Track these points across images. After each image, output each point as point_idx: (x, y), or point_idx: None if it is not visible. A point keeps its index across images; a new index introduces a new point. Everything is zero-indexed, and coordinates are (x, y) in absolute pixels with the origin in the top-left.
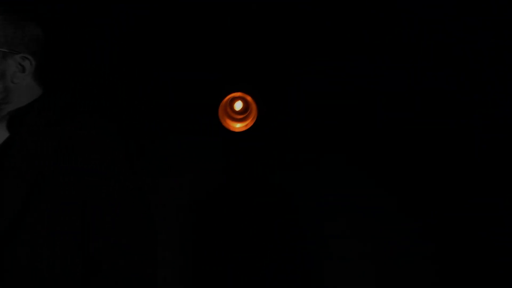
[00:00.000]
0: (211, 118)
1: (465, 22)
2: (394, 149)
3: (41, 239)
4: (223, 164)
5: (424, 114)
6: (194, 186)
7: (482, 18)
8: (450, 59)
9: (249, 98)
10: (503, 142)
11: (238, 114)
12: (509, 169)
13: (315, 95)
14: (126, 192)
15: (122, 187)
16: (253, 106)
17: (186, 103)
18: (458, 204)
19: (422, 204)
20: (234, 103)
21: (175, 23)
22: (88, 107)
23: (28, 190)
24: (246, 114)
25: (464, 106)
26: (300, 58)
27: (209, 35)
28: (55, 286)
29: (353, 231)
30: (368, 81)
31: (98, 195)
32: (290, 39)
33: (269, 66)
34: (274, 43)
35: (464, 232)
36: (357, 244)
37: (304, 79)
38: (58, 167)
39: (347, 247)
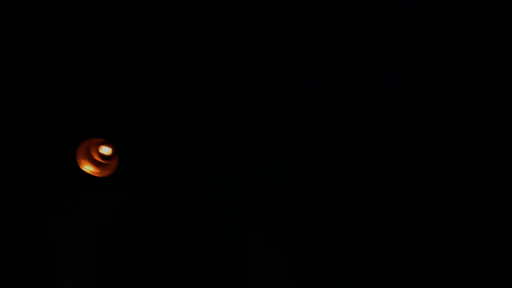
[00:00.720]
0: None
1: (465, 22)
2: (394, 149)
3: None
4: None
5: (424, 114)
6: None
7: (482, 18)
8: (450, 59)
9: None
10: (503, 142)
11: (100, 158)
12: (509, 169)
13: (315, 95)
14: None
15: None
16: (115, 160)
17: (186, 103)
18: (458, 204)
19: (421, 204)
20: (102, 146)
21: (175, 23)
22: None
23: None
24: (106, 163)
25: (464, 106)
26: (300, 58)
27: (209, 35)
28: None
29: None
30: (368, 81)
31: None
32: (290, 39)
33: (269, 66)
34: (274, 43)
35: (464, 232)
36: (280, 257)
37: (304, 79)
38: None
39: (270, 260)
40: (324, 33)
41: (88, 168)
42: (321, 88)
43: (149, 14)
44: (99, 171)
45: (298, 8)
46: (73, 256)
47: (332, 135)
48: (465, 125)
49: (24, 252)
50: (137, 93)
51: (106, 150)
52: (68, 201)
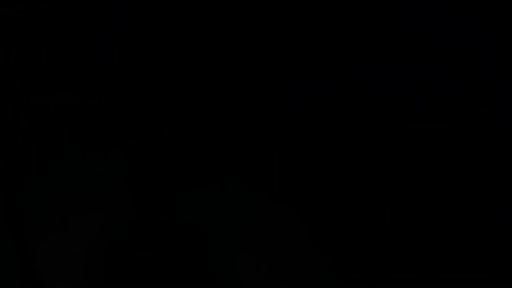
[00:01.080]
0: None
1: (465, 22)
2: (394, 149)
3: None
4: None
5: (424, 114)
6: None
7: (482, 18)
8: (450, 59)
9: None
10: (503, 142)
11: None
12: (509, 169)
13: (315, 95)
14: None
15: None
16: None
17: (186, 103)
18: (458, 204)
19: (421, 204)
20: None
21: (175, 23)
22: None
23: None
24: None
25: (464, 106)
26: (300, 58)
27: (209, 35)
28: None
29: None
30: (368, 81)
31: None
32: (290, 39)
33: (269, 66)
34: (274, 43)
35: (464, 232)
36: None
37: (304, 79)
38: None
39: (270, 257)
40: (324, 33)
41: None
42: (321, 88)
43: (149, 14)
44: None
45: (298, 8)
46: (67, 257)
47: (332, 135)
48: (465, 125)
49: (15, 254)
50: (137, 93)
51: None
52: (66, 201)
